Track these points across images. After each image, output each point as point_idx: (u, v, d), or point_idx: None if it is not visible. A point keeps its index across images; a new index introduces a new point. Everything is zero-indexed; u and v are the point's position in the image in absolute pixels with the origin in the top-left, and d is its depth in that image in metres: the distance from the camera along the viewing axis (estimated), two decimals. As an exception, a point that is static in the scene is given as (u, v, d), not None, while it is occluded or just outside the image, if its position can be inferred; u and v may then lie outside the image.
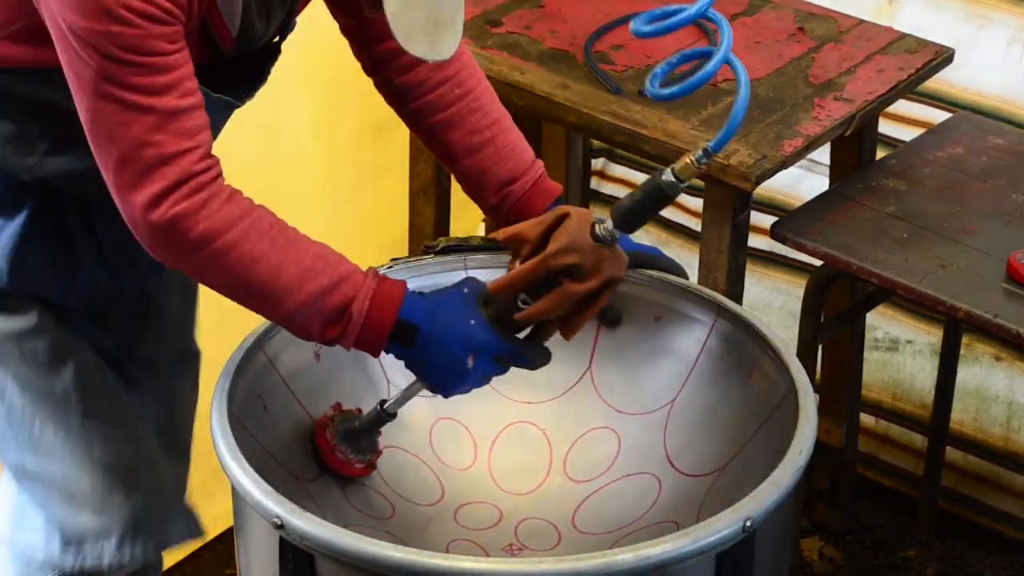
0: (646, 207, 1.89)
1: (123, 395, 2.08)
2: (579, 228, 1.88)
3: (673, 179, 1.86)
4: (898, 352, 3.16)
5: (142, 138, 1.72)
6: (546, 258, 1.87)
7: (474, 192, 2.06)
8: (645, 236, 3.37)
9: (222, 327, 2.86)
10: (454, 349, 1.85)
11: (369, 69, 2.08)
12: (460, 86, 2.03)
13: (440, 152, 2.06)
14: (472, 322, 1.86)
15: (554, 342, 2.04)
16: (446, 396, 1.91)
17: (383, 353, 1.87)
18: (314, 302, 1.81)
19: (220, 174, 1.79)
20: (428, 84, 2.03)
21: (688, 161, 1.85)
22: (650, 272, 2.09)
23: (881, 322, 3.14)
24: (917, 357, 3.14)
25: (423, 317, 1.84)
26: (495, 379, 2.08)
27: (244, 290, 1.80)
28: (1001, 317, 2.38)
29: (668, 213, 3.33)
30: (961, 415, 3.07)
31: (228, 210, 1.78)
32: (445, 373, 1.87)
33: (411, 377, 1.93)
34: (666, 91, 1.87)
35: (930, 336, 3.11)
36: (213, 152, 1.79)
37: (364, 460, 1.98)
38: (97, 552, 2.05)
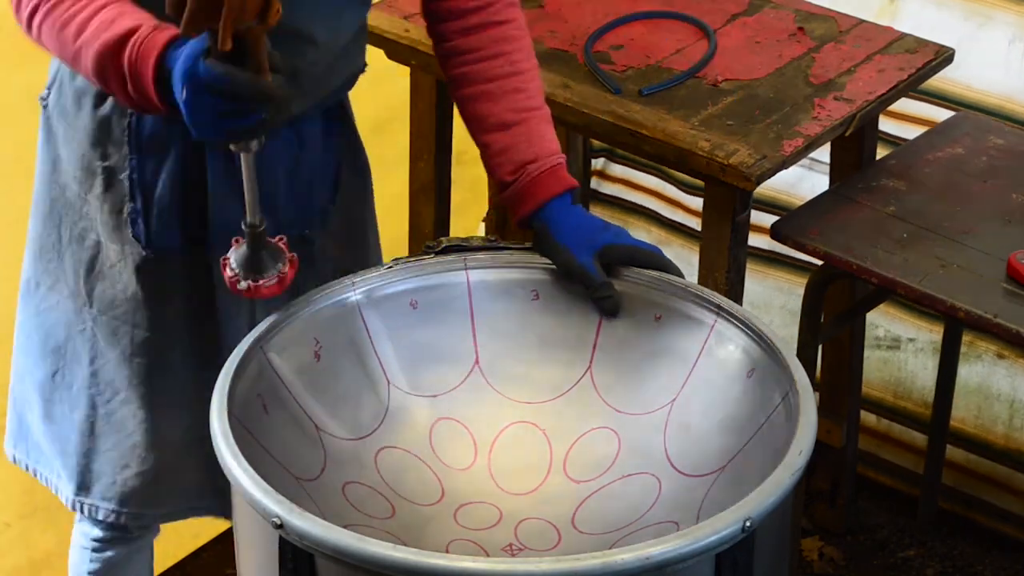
0: None
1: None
2: None
3: None
4: (899, 350, 3.16)
5: None
6: None
7: (491, 164, 2.10)
8: (646, 236, 3.38)
9: (222, 327, 2.87)
10: (176, 85, 1.80)
11: (428, 25, 2.15)
12: (512, 65, 2.08)
13: (471, 119, 2.11)
14: (183, 56, 1.79)
15: (554, 342, 2.04)
16: (197, 137, 1.83)
17: (164, 107, 1.84)
18: (104, 56, 1.85)
19: None
20: (481, 52, 2.09)
21: None
22: (649, 272, 2.09)
23: (883, 320, 3.14)
24: (919, 355, 3.14)
25: (174, 62, 1.81)
26: (496, 379, 2.09)
27: (61, 51, 1.90)
28: (1001, 317, 2.38)
29: (668, 212, 3.33)
30: (963, 413, 3.07)
31: None
32: (185, 110, 1.80)
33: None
34: None
35: (932, 334, 3.11)
36: None
37: (270, 277, 1.94)
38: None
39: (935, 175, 2.67)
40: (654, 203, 3.35)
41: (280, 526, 1.72)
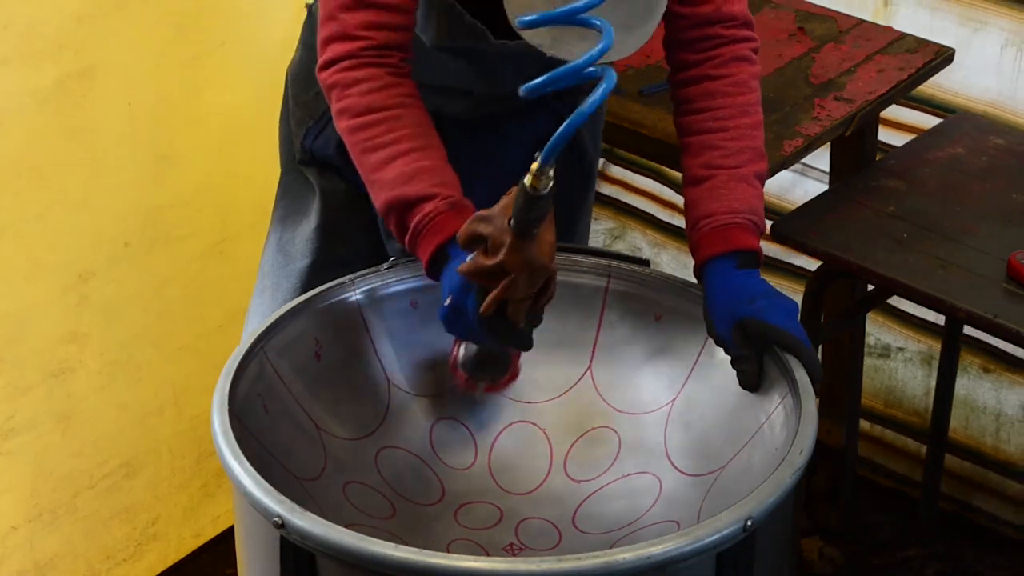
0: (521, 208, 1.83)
1: None
2: (503, 209, 1.86)
3: (529, 186, 1.79)
4: (890, 359, 3.16)
5: (333, 12, 1.99)
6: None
7: (685, 217, 2.09)
8: (642, 238, 3.38)
9: (223, 327, 2.88)
10: (443, 288, 1.92)
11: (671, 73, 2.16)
12: (716, 121, 2.07)
13: (681, 170, 2.11)
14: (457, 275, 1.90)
15: (555, 341, 2.04)
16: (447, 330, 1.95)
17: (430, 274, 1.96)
18: (393, 207, 1.96)
19: (388, 67, 1.99)
20: (690, 106, 2.10)
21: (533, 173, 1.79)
22: (648, 271, 2.09)
23: (873, 328, 3.14)
24: (908, 365, 3.15)
25: (453, 256, 1.92)
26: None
27: (359, 166, 2.00)
28: (1001, 317, 2.38)
29: (665, 215, 3.33)
30: (953, 423, 3.08)
31: (373, 97, 1.98)
32: (441, 313, 1.93)
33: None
34: (529, 18, 1.71)
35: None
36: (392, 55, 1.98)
37: (491, 379, 2.03)
38: None
39: (935, 175, 2.67)
40: (650, 206, 3.35)
41: (281, 525, 1.72)
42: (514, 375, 2.03)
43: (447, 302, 1.90)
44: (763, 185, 2.07)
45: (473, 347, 1.99)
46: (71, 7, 2.48)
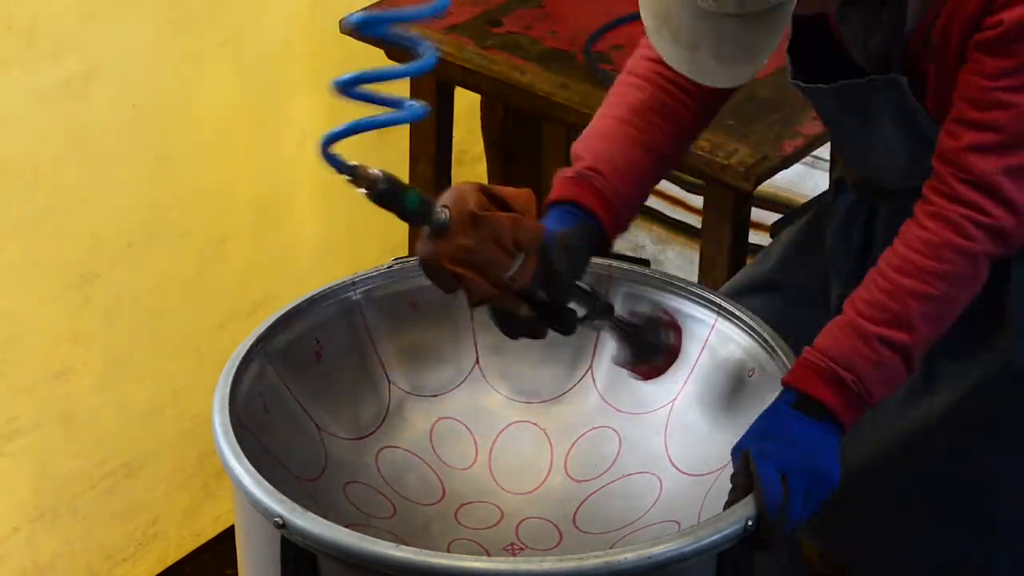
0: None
1: None
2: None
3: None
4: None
5: None
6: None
7: None
8: (648, 234, 3.38)
9: (223, 327, 2.88)
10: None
11: None
12: (882, 259, 1.85)
13: None
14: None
15: (555, 341, 2.04)
16: None
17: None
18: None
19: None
20: None
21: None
22: (649, 271, 2.09)
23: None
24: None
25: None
26: (496, 378, 2.10)
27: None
28: (1001, 317, 2.37)
29: (669, 211, 3.33)
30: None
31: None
32: None
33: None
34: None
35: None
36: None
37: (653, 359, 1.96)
38: None
39: (935, 175, 2.67)
40: (656, 201, 3.35)
41: (282, 526, 1.72)
42: (675, 350, 1.95)
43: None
44: (893, 356, 1.81)
45: (622, 346, 1.95)
46: (72, 7, 2.48)
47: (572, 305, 1.87)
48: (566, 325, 1.87)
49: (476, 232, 1.74)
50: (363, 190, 1.69)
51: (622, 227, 1.96)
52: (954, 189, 1.76)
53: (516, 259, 1.76)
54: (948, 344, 1.90)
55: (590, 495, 2.03)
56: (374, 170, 1.69)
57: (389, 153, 3.12)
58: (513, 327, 1.86)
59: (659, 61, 1.89)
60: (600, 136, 1.96)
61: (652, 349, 1.95)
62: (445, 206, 1.75)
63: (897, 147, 1.93)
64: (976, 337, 1.98)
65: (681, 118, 1.97)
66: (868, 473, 2.06)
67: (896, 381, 1.82)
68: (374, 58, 2.81)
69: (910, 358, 1.80)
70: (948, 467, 2.04)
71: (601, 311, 1.90)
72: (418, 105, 1.64)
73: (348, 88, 1.62)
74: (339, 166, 1.67)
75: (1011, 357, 1.98)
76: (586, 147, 1.96)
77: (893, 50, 1.86)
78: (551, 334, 1.89)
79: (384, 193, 1.70)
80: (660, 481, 2.01)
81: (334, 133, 1.64)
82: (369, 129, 1.64)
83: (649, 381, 2.02)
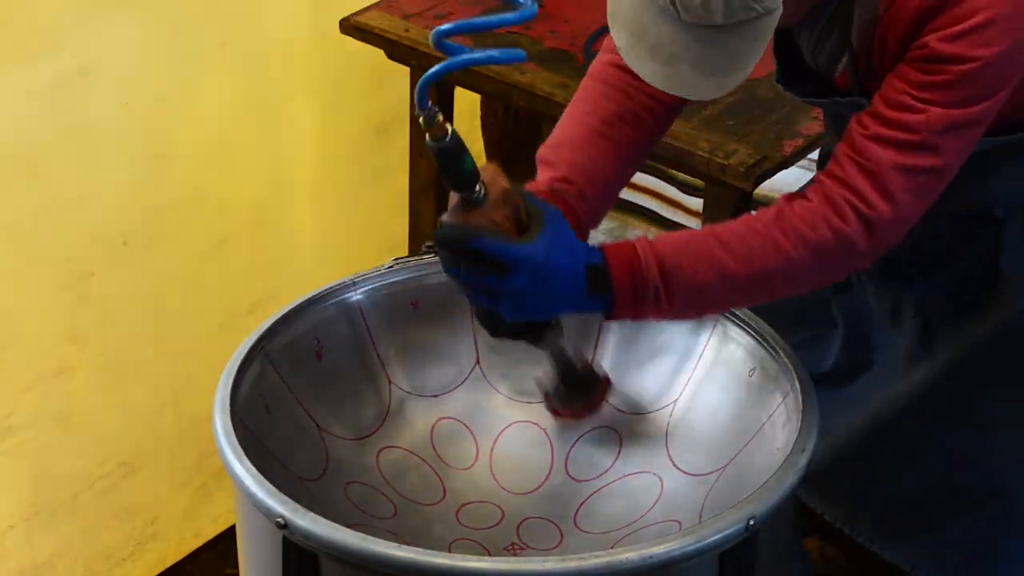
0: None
1: None
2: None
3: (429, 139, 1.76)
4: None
5: None
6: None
7: None
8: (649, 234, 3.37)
9: (223, 327, 2.87)
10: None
11: None
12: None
13: None
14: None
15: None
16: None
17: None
18: None
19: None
20: None
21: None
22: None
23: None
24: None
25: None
26: (497, 378, 2.10)
27: None
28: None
29: (668, 213, 3.33)
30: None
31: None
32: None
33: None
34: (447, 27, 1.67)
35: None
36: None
37: (584, 401, 2.03)
38: None
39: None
40: (654, 203, 3.35)
41: (284, 526, 1.72)
42: (604, 386, 2.04)
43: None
44: (711, 283, 1.82)
45: (553, 382, 2.01)
46: (69, 5, 2.47)
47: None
48: (543, 337, 1.91)
49: (505, 209, 1.78)
50: (429, 138, 1.72)
51: (585, 239, 1.97)
52: (846, 172, 1.80)
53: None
54: (942, 310, 2.01)
55: (591, 495, 2.03)
56: (448, 123, 1.73)
57: (389, 152, 3.12)
58: (498, 326, 1.88)
59: (626, 69, 1.90)
60: (572, 146, 1.96)
61: (580, 392, 2.03)
62: (481, 181, 1.78)
63: None
64: (970, 302, 2.05)
65: (649, 126, 1.99)
66: (871, 435, 2.13)
67: (696, 310, 1.88)
68: (374, 58, 2.81)
69: (725, 300, 1.86)
70: (946, 422, 2.11)
71: (555, 335, 1.93)
72: (528, 8, 1.66)
73: (445, 38, 1.65)
74: (423, 100, 1.69)
75: (1011, 312, 2.04)
76: (558, 156, 1.96)
77: (836, 71, 1.92)
78: None
79: (448, 149, 1.74)
80: (661, 481, 2.01)
81: (447, 28, 1.65)
82: (484, 29, 1.66)
83: (646, 380, 2.03)
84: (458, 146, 1.74)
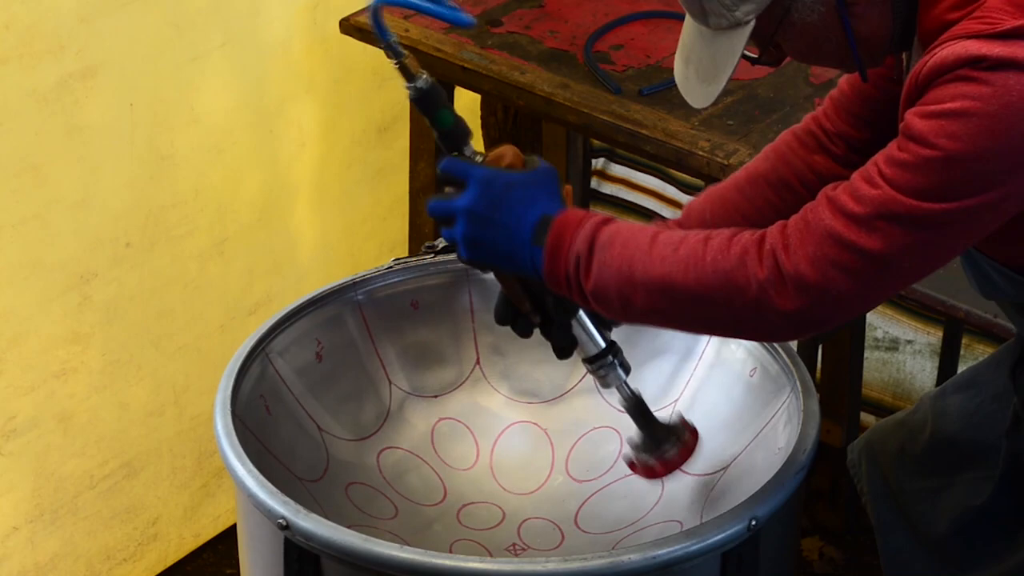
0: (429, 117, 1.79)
1: None
2: None
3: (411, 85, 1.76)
4: (898, 351, 3.16)
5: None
6: None
7: None
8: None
9: (223, 327, 2.87)
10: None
11: None
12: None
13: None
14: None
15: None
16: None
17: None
18: None
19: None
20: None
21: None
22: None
23: (881, 322, 3.14)
24: (917, 357, 3.14)
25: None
26: (497, 379, 2.09)
27: None
28: (1001, 317, 2.37)
29: (668, 213, 3.33)
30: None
31: None
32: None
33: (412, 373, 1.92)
34: None
35: (930, 336, 3.11)
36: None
37: (670, 451, 1.88)
38: None
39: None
40: (654, 203, 3.35)
41: (286, 527, 1.72)
42: (693, 435, 1.89)
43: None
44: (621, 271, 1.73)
45: (637, 435, 1.89)
46: (72, 7, 2.47)
47: (580, 336, 1.85)
48: (560, 345, 1.86)
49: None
50: (407, 83, 1.74)
51: None
52: (792, 220, 1.69)
53: None
54: None
55: (592, 495, 2.04)
56: (421, 70, 1.74)
57: (389, 152, 3.12)
58: (509, 315, 1.85)
59: (797, 134, 1.91)
60: (712, 198, 1.94)
61: (663, 434, 1.88)
62: (482, 154, 1.77)
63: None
64: None
65: (792, 194, 1.92)
66: None
67: (605, 304, 1.75)
68: (374, 58, 2.81)
69: (633, 297, 1.73)
70: None
71: (612, 359, 1.86)
72: (464, 15, 1.69)
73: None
74: (381, 29, 1.70)
75: None
76: (697, 205, 1.94)
77: None
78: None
79: (426, 94, 1.74)
80: (662, 481, 2.01)
81: None
82: (417, 9, 1.69)
83: (648, 381, 2.03)
84: (434, 93, 1.74)
